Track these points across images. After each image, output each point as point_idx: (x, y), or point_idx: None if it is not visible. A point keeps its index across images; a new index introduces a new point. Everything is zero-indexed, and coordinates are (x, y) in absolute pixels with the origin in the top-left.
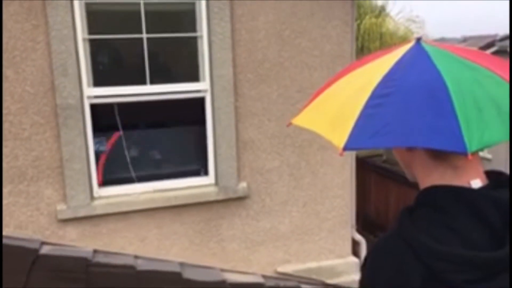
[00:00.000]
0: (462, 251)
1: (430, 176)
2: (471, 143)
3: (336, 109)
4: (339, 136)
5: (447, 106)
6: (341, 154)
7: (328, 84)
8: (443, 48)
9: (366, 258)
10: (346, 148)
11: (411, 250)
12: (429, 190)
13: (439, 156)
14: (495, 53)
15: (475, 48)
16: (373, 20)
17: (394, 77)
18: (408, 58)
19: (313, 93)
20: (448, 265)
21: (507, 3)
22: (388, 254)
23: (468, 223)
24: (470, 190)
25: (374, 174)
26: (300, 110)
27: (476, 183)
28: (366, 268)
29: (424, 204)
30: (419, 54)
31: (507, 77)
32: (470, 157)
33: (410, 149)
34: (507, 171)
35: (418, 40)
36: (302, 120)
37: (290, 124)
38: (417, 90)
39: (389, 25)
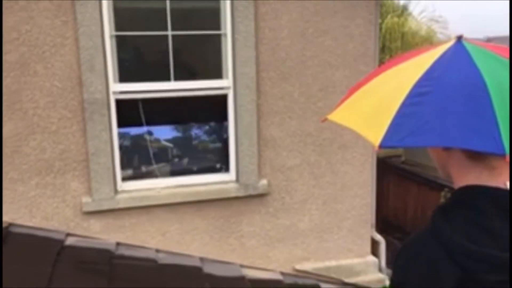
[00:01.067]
0: (497, 252)
1: (466, 176)
2: (509, 145)
3: (373, 106)
4: (376, 133)
5: (487, 107)
6: (376, 150)
7: (365, 81)
8: (484, 47)
9: (397, 257)
10: (382, 145)
11: (444, 249)
12: (465, 189)
13: (476, 156)
14: None
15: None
16: (395, 19)
17: (433, 76)
18: (448, 56)
19: (335, 92)
20: (482, 266)
21: None
22: (421, 253)
23: (503, 224)
24: (506, 192)
25: (393, 175)
26: (335, 106)
27: None
28: (397, 266)
29: (459, 203)
30: (459, 52)
31: None
32: (507, 158)
33: (447, 149)
34: None
35: (459, 38)
36: (338, 116)
37: (325, 119)
38: (456, 89)
39: (411, 24)
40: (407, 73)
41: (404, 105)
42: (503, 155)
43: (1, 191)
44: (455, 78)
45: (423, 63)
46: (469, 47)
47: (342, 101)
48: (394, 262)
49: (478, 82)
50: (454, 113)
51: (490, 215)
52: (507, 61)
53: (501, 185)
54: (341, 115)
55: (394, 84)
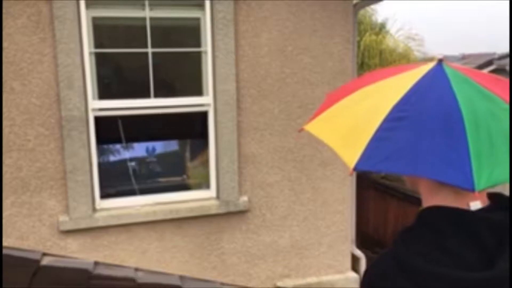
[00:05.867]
0: (453, 272)
1: (433, 197)
2: (479, 181)
3: (350, 125)
4: (351, 155)
5: (461, 139)
6: (350, 174)
7: (343, 93)
8: (463, 73)
9: (362, 277)
10: (356, 168)
11: (404, 271)
12: (428, 210)
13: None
14: (493, 71)
15: (492, 74)
16: (373, 37)
17: (411, 100)
18: (427, 80)
19: (314, 108)
20: (438, 285)
21: (505, 24)
22: (382, 274)
23: (461, 244)
24: (466, 212)
25: (373, 190)
26: (313, 115)
27: (476, 204)
28: (362, 287)
29: (421, 224)
30: (439, 77)
31: None
32: (477, 194)
33: None
34: (504, 192)
35: (440, 61)
36: (315, 128)
37: (302, 129)
38: (432, 117)
39: (389, 42)
40: (386, 93)
41: (380, 129)
42: (472, 191)
43: (1, 194)
44: (433, 105)
45: (402, 84)
46: (449, 71)
47: (321, 110)
48: (361, 281)
49: (455, 112)
50: (428, 142)
51: (448, 235)
52: (485, 90)
53: (465, 206)
54: (318, 128)
55: (371, 103)
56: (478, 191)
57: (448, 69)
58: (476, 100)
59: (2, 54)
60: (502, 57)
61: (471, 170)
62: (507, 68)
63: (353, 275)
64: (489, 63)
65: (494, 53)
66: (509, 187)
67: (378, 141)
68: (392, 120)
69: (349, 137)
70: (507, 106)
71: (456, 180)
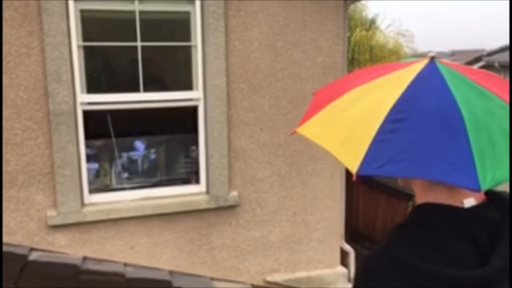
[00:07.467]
0: (448, 270)
1: (427, 194)
2: (484, 180)
3: (348, 129)
4: (353, 160)
5: (463, 138)
6: (354, 179)
7: (334, 93)
8: (456, 70)
9: (355, 272)
10: (360, 173)
11: (396, 266)
12: (421, 207)
13: None
14: (482, 67)
15: (484, 70)
16: (363, 32)
17: (409, 100)
18: (422, 79)
19: (305, 104)
20: (433, 284)
21: (494, 21)
22: (376, 271)
23: (455, 242)
24: (459, 209)
25: (362, 185)
26: (304, 118)
27: (469, 201)
28: (354, 282)
29: (414, 221)
30: (434, 76)
31: None
32: (482, 195)
33: None
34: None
35: (432, 58)
36: (309, 131)
37: (294, 132)
38: (432, 117)
39: (379, 38)
40: (381, 94)
41: (381, 131)
42: (478, 191)
43: (1, 194)
44: (431, 105)
45: (397, 84)
46: (442, 69)
47: (312, 112)
48: (354, 278)
49: (454, 110)
50: (431, 142)
51: (442, 232)
52: (480, 87)
53: (458, 203)
54: (313, 132)
55: (368, 104)
56: (483, 191)
57: (441, 66)
58: (472, 98)
59: (2, 54)
60: (490, 53)
61: (475, 170)
62: (496, 64)
63: (342, 269)
64: (478, 59)
65: (483, 50)
66: (509, 186)
67: (379, 144)
68: (392, 122)
69: (348, 141)
70: (503, 103)
71: (461, 181)
